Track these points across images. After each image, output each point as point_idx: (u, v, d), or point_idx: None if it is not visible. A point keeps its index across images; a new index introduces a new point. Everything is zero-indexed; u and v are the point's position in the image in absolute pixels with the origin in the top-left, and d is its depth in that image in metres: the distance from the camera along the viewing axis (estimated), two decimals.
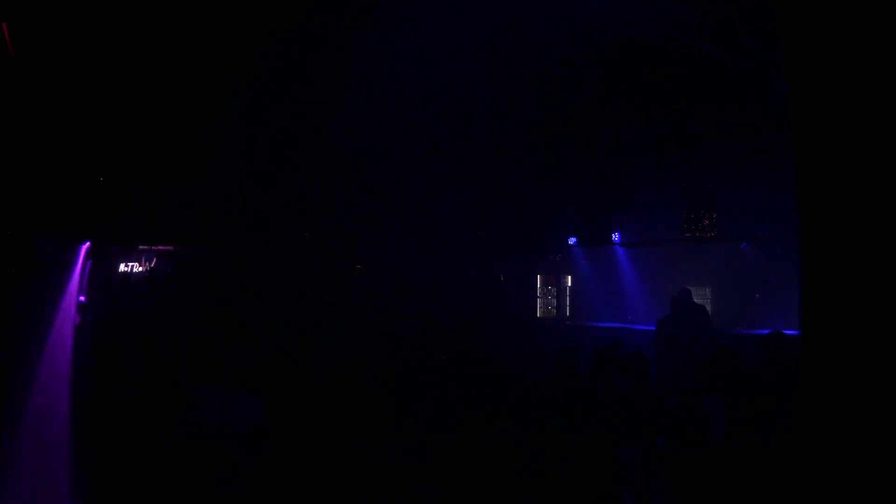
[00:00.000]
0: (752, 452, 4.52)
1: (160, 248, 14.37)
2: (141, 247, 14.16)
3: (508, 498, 5.13)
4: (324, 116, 9.88)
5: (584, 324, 14.56)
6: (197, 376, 4.78)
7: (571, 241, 14.25)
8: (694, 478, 4.83)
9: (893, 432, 1.70)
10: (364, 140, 10.59)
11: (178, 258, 14.15)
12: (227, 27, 7.70)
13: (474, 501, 5.30)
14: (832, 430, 1.82)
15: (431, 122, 10.05)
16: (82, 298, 10.15)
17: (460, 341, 7.13)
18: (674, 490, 5.06)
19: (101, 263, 11.73)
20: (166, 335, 8.07)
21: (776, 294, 11.67)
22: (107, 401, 5.99)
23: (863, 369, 1.77)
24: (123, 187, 10.20)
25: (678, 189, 11.92)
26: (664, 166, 11.32)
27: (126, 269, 14.95)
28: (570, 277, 16.21)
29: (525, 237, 13.69)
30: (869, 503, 1.74)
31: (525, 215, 13.34)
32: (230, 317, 9.96)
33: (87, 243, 10.39)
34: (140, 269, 15.02)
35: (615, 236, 13.67)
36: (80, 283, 10.17)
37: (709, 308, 11.70)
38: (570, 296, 16.31)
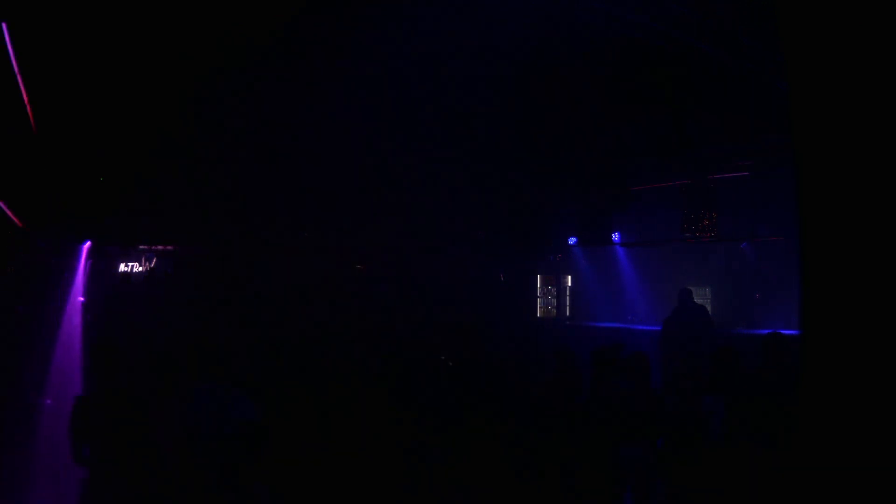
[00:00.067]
0: (752, 452, 4.52)
1: (160, 248, 14.35)
2: (141, 247, 14.14)
3: (509, 498, 5.13)
4: (324, 116, 9.89)
5: (585, 324, 14.56)
6: (196, 376, 4.77)
7: (571, 241, 14.23)
8: (694, 478, 4.83)
9: (893, 432, 1.70)
10: (364, 140, 10.59)
11: (178, 258, 14.13)
12: (227, 26, 7.72)
13: (475, 501, 5.30)
14: (832, 430, 1.82)
15: (431, 122, 10.06)
16: (82, 298, 10.15)
17: (460, 341, 7.13)
18: (674, 490, 5.07)
19: (101, 263, 11.72)
20: (166, 335, 8.06)
21: (776, 294, 11.68)
22: (106, 400, 5.98)
23: (862, 369, 1.77)
24: (123, 187, 10.19)
25: (678, 189, 11.91)
26: (664, 166, 11.32)
27: (126, 269, 14.93)
28: (570, 277, 16.21)
29: (525, 237, 13.68)
30: (868, 502, 1.74)
31: (525, 215, 13.33)
32: (230, 317, 9.96)
33: (88, 243, 10.38)
34: (140, 269, 15.00)
35: (615, 236, 13.64)
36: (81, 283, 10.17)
37: (709, 308, 11.71)
38: (570, 296, 16.31)
